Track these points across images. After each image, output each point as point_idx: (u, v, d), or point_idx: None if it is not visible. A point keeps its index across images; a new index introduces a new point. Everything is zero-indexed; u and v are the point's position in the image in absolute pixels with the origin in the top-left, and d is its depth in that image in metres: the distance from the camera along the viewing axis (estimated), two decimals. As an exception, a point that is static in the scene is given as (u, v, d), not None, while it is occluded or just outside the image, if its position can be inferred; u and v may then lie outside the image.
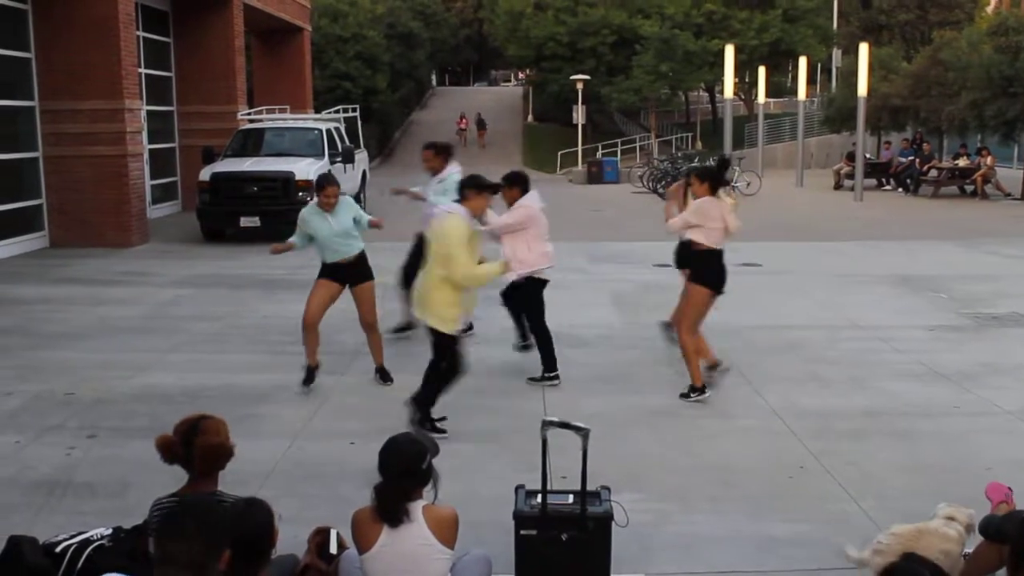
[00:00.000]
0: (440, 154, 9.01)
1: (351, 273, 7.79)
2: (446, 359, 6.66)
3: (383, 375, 7.99)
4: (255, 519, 3.44)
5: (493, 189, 6.87)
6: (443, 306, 6.49)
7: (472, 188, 6.68)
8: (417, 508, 3.85)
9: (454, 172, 8.77)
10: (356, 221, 7.75)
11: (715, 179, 7.47)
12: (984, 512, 4.62)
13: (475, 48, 76.59)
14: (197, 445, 3.83)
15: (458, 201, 6.70)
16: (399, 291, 9.32)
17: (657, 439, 6.70)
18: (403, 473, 3.82)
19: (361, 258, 7.86)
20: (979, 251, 15.70)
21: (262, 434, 6.64)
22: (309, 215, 7.68)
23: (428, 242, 6.75)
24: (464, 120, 50.45)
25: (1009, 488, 4.61)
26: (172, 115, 22.45)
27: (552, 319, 10.43)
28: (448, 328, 6.55)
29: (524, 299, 8.24)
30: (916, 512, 5.30)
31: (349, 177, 19.59)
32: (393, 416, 7.02)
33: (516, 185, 8.07)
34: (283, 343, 9.08)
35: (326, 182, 7.68)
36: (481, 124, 50.21)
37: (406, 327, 9.18)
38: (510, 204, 8.05)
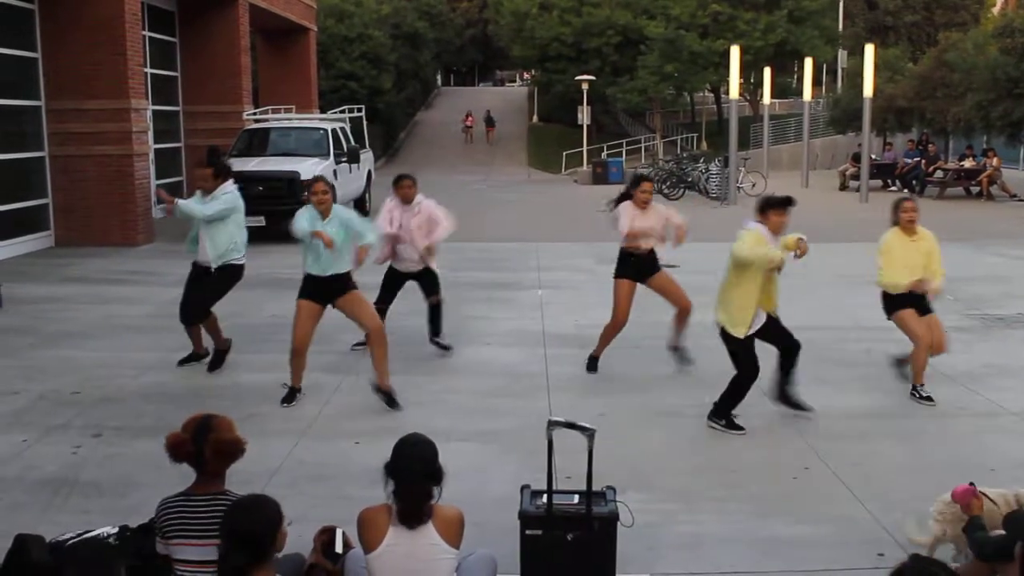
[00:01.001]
0: (218, 176, 8.57)
1: (331, 288, 7.33)
2: (738, 362, 6.79)
3: (387, 399, 7.33)
4: (262, 514, 3.45)
5: (788, 203, 6.88)
6: (735, 309, 6.70)
7: (771, 208, 6.79)
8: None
9: (227, 189, 8.55)
10: (349, 229, 7.34)
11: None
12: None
13: (480, 48, 76.55)
14: (211, 441, 3.83)
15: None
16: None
17: (662, 439, 6.70)
18: (425, 473, 3.82)
19: (347, 274, 7.40)
20: (985, 252, 15.67)
21: (268, 433, 6.64)
22: (301, 215, 7.34)
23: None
24: (470, 118, 50.62)
25: (970, 484, 4.54)
26: (178, 115, 22.48)
27: (558, 320, 10.48)
28: (738, 331, 6.68)
29: (434, 282, 9.07)
30: (921, 513, 5.30)
31: (354, 177, 19.63)
32: (398, 416, 7.05)
33: (416, 185, 8.88)
34: (287, 343, 9.06)
35: (314, 180, 7.44)
36: (490, 121, 50.40)
37: (192, 358, 8.68)
38: (410, 201, 8.74)
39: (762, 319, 6.78)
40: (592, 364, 8.50)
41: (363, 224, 7.60)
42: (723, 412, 6.87)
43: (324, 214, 7.30)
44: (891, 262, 7.40)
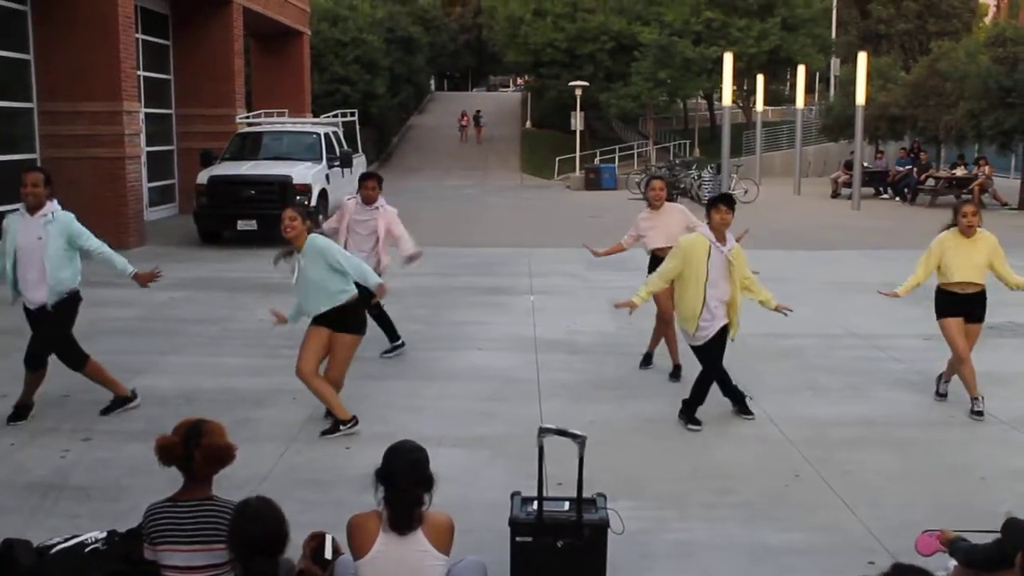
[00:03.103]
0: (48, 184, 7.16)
1: (335, 318, 6.73)
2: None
3: (332, 427, 6.85)
4: (271, 517, 3.47)
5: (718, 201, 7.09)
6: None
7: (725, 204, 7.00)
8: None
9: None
10: (336, 270, 6.61)
11: None
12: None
13: (474, 53, 76.63)
14: (203, 446, 3.82)
15: None
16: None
17: (653, 446, 6.70)
18: (416, 480, 3.82)
19: (345, 308, 6.72)
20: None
21: (258, 438, 6.62)
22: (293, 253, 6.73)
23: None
24: (465, 117, 51.87)
25: (927, 531, 4.49)
26: (171, 118, 22.45)
27: (550, 326, 10.48)
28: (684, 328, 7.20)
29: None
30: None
31: (347, 182, 19.61)
32: (389, 421, 7.04)
33: (380, 188, 8.81)
34: (279, 347, 9.05)
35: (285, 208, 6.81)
36: (477, 121, 51.43)
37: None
38: (373, 203, 8.69)
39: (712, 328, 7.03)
40: (646, 360, 8.81)
41: (348, 262, 6.73)
42: (691, 408, 7.15)
43: (296, 244, 6.62)
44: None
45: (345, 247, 8.22)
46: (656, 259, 8.34)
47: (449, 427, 6.99)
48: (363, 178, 8.89)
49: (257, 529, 3.40)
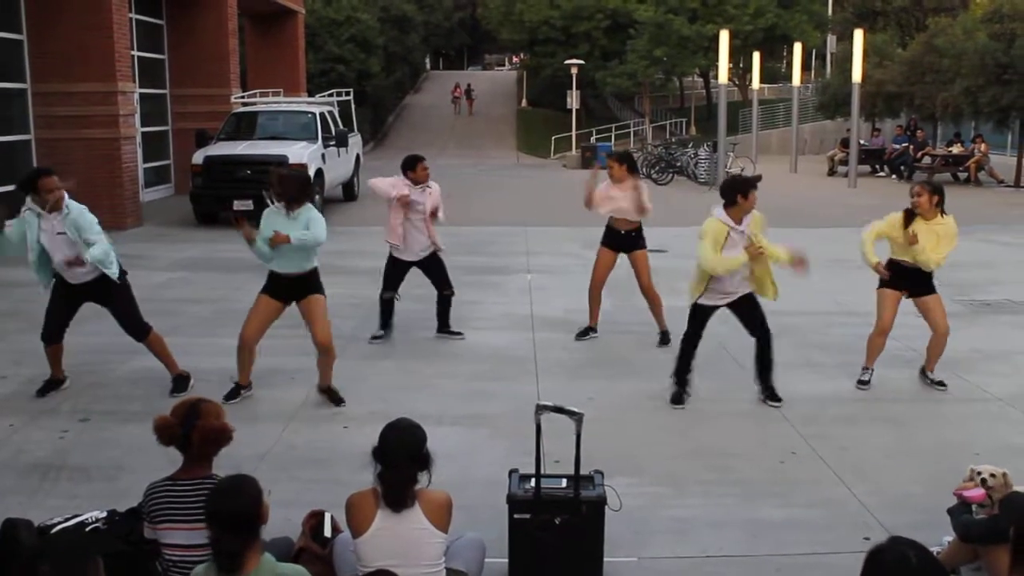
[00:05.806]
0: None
1: (296, 287, 7.05)
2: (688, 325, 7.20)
3: (331, 396, 7.15)
4: (243, 494, 3.43)
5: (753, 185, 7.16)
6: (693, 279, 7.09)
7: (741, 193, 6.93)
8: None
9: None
10: (312, 226, 6.85)
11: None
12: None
13: (469, 32, 76.29)
14: (197, 428, 3.83)
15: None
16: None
17: (650, 423, 6.73)
18: (410, 458, 3.83)
19: (311, 273, 7.09)
20: (972, 238, 15.66)
21: (256, 417, 6.65)
22: (269, 214, 6.93)
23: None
24: (458, 89, 53.31)
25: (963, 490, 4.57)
26: (165, 98, 22.36)
27: (547, 305, 10.49)
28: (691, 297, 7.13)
29: (441, 267, 9.01)
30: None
31: (343, 161, 19.58)
32: (388, 400, 7.06)
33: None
34: (276, 327, 9.02)
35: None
36: (469, 94, 52.90)
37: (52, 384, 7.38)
38: (422, 182, 8.67)
39: (725, 296, 7.08)
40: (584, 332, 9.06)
41: (319, 224, 6.90)
42: (679, 375, 7.16)
43: (293, 207, 6.85)
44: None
45: (391, 225, 8.65)
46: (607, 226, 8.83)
47: (447, 405, 7.01)
48: (413, 161, 8.64)
49: (227, 507, 3.37)
